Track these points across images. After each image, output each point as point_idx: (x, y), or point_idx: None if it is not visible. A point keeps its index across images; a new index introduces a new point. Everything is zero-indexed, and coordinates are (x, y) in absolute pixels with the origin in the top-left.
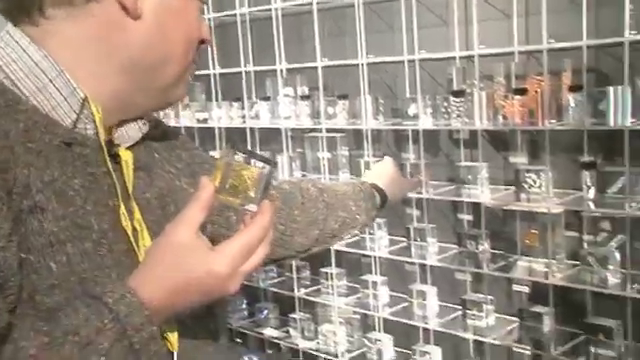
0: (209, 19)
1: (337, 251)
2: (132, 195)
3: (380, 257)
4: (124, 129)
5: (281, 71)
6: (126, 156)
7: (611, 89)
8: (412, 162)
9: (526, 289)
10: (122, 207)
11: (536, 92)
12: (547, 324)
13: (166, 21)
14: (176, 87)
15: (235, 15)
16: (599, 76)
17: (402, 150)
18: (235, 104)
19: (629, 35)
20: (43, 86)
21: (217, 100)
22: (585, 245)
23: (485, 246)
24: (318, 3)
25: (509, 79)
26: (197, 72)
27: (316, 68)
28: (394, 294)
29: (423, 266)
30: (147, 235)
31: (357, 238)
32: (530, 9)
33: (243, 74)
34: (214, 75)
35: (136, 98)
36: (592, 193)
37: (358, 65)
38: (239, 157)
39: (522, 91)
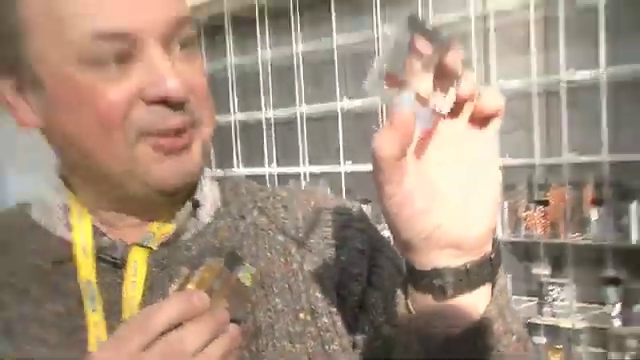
0: (235, 121)
1: None
2: (125, 305)
3: None
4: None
5: (304, 174)
6: (135, 256)
7: (633, 205)
8: None
9: None
10: (92, 332)
11: (558, 204)
12: None
13: (71, 107)
14: (143, 168)
15: (261, 117)
16: (621, 190)
17: None
18: None
19: None
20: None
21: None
22: None
23: None
24: (343, 108)
25: (531, 189)
26: (221, 171)
27: (339, 173)
28: None
29: None
30: None
31: None
32: (551, 120)
33: (267, 175)
34: (237, 176)
35: (108, 194)
36: (617, 309)
37: None
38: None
39: (544, 203)
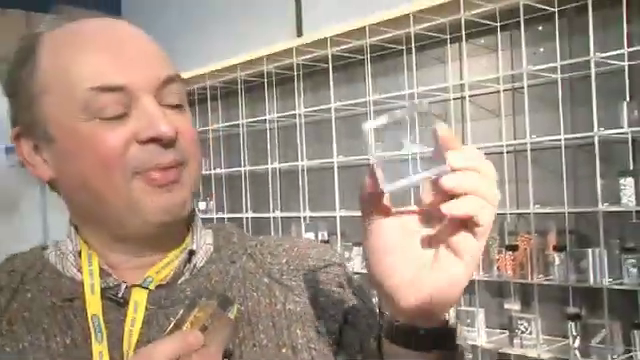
0: (245, 171)
1: None
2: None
3: None
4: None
5: (304, 218)
6: (136, 296)
7: (589, 251)
8: None
9: None
10: (96, 356)
11: (525, 249)
12: None
13: (76, 154)
14: (138, 200)
15: (267, 169)
16: (580, 237)
17: None
18: None
19: (602, 206)
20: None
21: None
22: None
23: None
24: (339, 162)
25: (502, 235)
26: (233, 215)
27: (335, 217)
28: None
29: None
30: None
31: None
32: (519, 177)
33: (271, 219)
34: (246, 219)
35: (112, 235)
36: (577, 342)
37: None
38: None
39: (514, 247)
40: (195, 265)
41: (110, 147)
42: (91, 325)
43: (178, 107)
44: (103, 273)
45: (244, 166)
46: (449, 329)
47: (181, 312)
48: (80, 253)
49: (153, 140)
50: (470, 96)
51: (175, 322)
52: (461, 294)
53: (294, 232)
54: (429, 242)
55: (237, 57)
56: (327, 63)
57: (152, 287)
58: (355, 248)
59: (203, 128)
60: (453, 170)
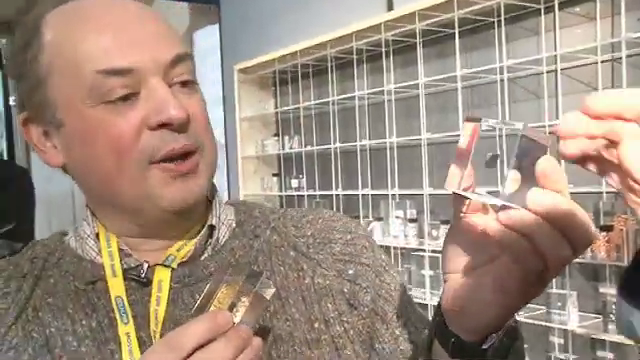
0: (335, 149)
1: None
2: (161, 324)
3: None
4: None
5: (393, 196)
6: (160, 275)
7: None
8: None
9: None
10: (124, 341)
11: (621, 230)
12: None
13: (87, 140)
14: (155, 190)
15: (356, 146)
16: None
17: None
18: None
19: None
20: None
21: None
22: None
23: None
24: (428, 139)
25: (597, 215)
26: (323, 192)
27: (423, 195)
28: None
29: None
30: None
31: None
32: None
33: (360, 197)
34: (336, 196)
35: (129, 219)
36: None
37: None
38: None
39: (608, 228)
40: (218, 240)
41: (122, 133)
42: (115, 307)
43: (188, 86)
44: (123, 254)
45: (334, 143)
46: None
47: (206, 289)
48: (98, 235)
49: (164, 125)
50: (564, 69)
51: (201, 301)
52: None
53: (382, 210)
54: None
55: (327, 34)
56: (416, 38)
57: (174, 265)
58: (443, 226)
59: (294, 106)
60: (526, 208)
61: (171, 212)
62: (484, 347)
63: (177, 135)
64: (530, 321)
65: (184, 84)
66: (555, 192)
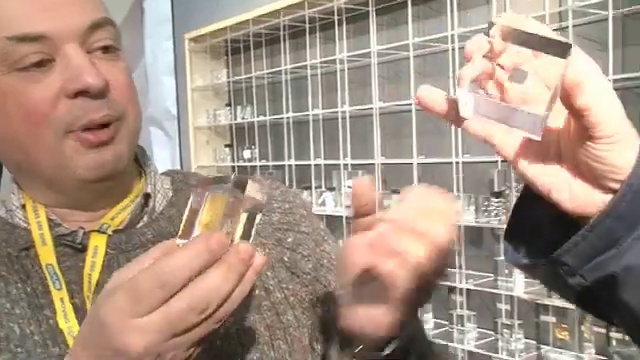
0: (288, 119)
1: None
2: (94, 288)
3: None
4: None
5: (345, 165)
6: (95, 241)
7: None
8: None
9: None
10: (59, 306)
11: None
12: None
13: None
14: (70, 160)
15: (308, 116)
16: None
17: None
18: (305, 192)
19: None
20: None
21: (291, 187)
22: (613, 342)
23: (519, 336)
24: (380, 108)
25: (492, 183)
26: (276, 163)
27: (374, 165)
28: None
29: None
30: None
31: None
32: None
33: (312, 167)
34: (289, 167)
35: (51, 189)
36: None
37: (412, 164)
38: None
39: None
40: (154, 208)
41: (36, 102)
42: (47, 274)
43: (110, 52)
44: (52, 223)
45: (287, 113)
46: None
47: (188, 209)
48: (24, 207)
49: (81, 93)
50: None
51: (184, 224)
52: None
53: (335, 180)
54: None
55: (279, 2)
56: (369, 6)
57: (110, 232)
58: (394, 196)
59: (247, 76)
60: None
61: (87, 181)
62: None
63: (97, 103)
64: (479, 289)
65: (105, 50)
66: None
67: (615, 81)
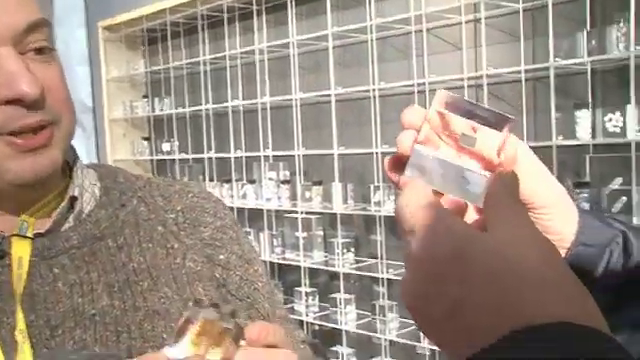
0: (208, 110)
1: (310, 323)
2: (20, 299)
3: (348, 331)
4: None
5: (266, 157)
6: (19, 250)
7: None
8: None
9: None
10: None
11: None
12: None
13: None
14: (3, 163)
15: (228, 107)
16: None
17: (370, 232)
18: (226, 185)
19: (556, 140)
20: None
21: (212, 180)
22: None
23: None
24: (301, 99)
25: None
26: (196, 155)
27: (295, 156)
28: None
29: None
30: (28, 349)
31: (328, 312)
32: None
33: (232, 159)
34: (209, 159)
35: None
36: None
37: (332, 155)
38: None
39: None
40: (81, 210)
41: None
42: None
43: (44, 53)
44: None
45: (206, 104)
46: None
47: (181, 322)
48: None
49: (15, 100)
50: (430, 28)
51: (175, 334)
52: None
53: (255, 172)
54: None
55: None
56: None
57: (30, 234)
58: (315, 187)
59: (165, 66)
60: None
61: (18, 186)
62: None
63: (29, 112)
64: (400, 278)
65: (39, 51)
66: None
67: (526, 72)
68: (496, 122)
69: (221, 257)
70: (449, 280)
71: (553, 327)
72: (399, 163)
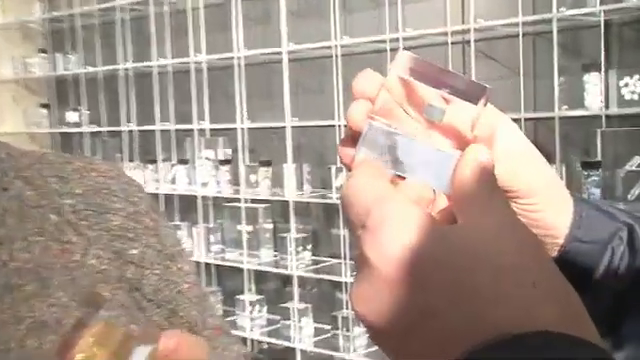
0: (126, 69)
1: (256, 340)
2: None
3: (304, 350)
4: None
5: (201, 131)
6: None
7: None
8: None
9: None
10: None
11: None
12: None
13: None
14: None
15: (152, 67)
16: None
17: (332, 225)
18: (150, 166)
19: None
20: None
21: (132, 160)
22: None
23: None
24: (245, 57)
25: None
26: (112, 128)
27: (237, 130)
28: None
29: None
30: None
31: (278, 325)
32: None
33: (159, 133)
34: (129, 132)
35: None
36: None
37: (285, 128)
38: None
39: None
40: None
41: None
42: None
43: None
44: None
45: (125, 63)
46: None
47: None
48: None
49: None
50: None
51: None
52: None
53: (188, 150)
54: None
55: None
56: None
57: None
58: (262, 169)
59: (69, 12)
60: None
61: None
62: None
63: None
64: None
65: None
66: None
67: (524, 24)
68: (469, 92)
69: (134, 252)
70: (411, 286)
71: (535, 337)
72: (354, 141)
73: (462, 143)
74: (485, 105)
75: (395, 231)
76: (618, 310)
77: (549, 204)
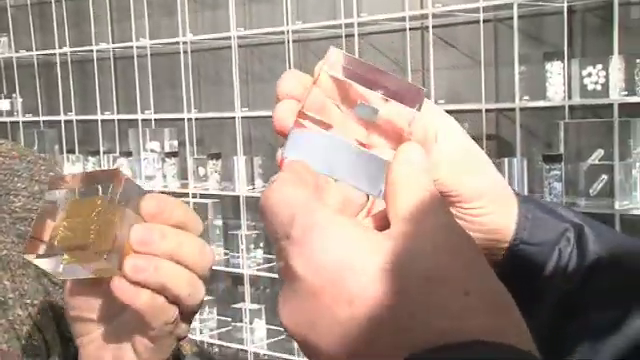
0: (64, 53)
1: (206, 343)
2: None
3: (257, 353)
4: None
5: (146, 121)
6: None
7: (505, 161)
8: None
9: None
10: None
11: None
12: None
13: None
14: None
15: (92, 52)
16: (502, 143)
17: None
18: (92, 158)
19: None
20: None
21: (72, 152)
22: None
23: None
24: (192, 43)
25: None
26: (50, 117)
27: (184, 120)
28: None
29: None
30: None
31: (229, 327)
32: (425, 63)
33: (100, 123)
34: (68, 123)
35: None
36: None
37: (234, 119)
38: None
39: None
40: None
41: None
42: None
43: None
44: None
45: (63, 47)
46: None
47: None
48: None
49: None
50: None
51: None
52: None
53: (132, 141)
54: None
55: None
56: None
57: None
58: (211, 162)
59: None
60: None
61: None
62: None
63: None
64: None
65: None
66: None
67: (485, 10)
68: (404, 94)
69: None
70: (340, 297)
71: (465, 347)
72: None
73: (398, 145)
74: (419, 109)
75: (321, 241)
76: (563, 309)
77: (494, 207)
